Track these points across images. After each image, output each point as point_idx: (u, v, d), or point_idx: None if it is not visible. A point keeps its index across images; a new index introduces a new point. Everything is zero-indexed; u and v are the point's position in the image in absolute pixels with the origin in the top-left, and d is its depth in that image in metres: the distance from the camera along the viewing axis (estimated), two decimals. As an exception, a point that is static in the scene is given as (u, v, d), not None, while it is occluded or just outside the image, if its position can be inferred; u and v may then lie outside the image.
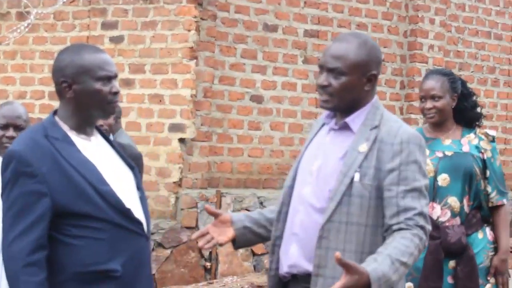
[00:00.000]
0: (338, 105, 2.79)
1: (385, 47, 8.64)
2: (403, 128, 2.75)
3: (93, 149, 2.66)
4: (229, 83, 7.55)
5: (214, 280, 6.67)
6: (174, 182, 7.00)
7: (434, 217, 3.92)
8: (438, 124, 4.04)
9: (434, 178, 3.94)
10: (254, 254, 7.25)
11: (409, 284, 3.93)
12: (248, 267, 7.11)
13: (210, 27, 7.35)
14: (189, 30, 7.14)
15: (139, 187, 2.74)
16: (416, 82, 8.70)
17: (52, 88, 7.58)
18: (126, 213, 2.59)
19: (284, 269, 2.82)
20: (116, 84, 2.68)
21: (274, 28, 7.88)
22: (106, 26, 7.48)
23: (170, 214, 6.95)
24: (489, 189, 4.00)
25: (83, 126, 2.67)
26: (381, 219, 2.69)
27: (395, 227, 2.62)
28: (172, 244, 6.86)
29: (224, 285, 6.23)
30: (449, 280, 3.93)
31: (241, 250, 7.19)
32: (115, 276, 2.54)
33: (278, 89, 7.85)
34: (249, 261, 7.16)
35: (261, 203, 7.26)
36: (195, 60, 7.13)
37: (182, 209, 6.96)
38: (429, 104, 4.01)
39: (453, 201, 3.94)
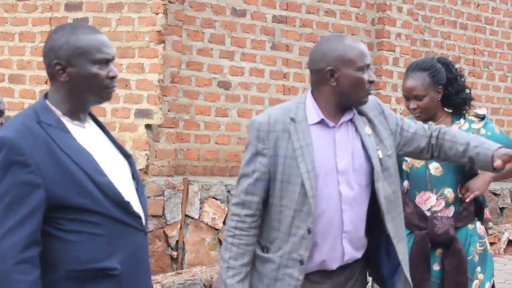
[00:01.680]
0: None
1: (352, 35, 8.54)
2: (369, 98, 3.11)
3: (88, 136, 2.48)
4: (196, 69, 7.37)
5: (183, 270, 6.52)
6: (140, 169, 6.79)
7: (428, 206, 3.82)
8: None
9: (426, 167, 3.83)
10: (221, 243, 7.10)
11: None
12: (215, 256, 6.96)
13: (177, 11, 7.15)
14: (156, 13, 6.93)
15: (135, 177, 2.57)
16: (383, 70, 8.64)
17: (12, 70, 7.42)
18: (125, 207, 2.42)
19: (333, 265, 3.03)
20: (113, 68, 2.50)
21: (242, 13, 7.71)
22: (70, 7, 7.23)
23: (136, 202, 6.75)
24: None
25: (77, 112, 2.49)
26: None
27: (434, 133, 3.17)
28: (138, 233, 6.66)
29: (193, 275, 6.08)
30: (435, 267, 3.84)
31: (208, 239, 7.05)
32: (113, 274, 2.37)
33: (246, 75, 7.69)
34: (216, 250, 7.02)
35: (228, 191, 7.10)
36: (162, 44, 6.92)
37: (148, 197, 6.76)
38: (412, 104, 3.85)
39: (449, 192, 3.84)
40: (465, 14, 9.70)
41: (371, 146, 3.00)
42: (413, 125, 3.17)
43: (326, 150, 2.96)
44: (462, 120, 3.93)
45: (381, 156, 3.00)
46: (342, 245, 2.99)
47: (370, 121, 3.04)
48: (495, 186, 9.56)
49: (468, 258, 3.85)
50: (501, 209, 9.62)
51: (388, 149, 3.04)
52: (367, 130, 3.01)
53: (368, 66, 2.98)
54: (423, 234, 3.78)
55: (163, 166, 7.02)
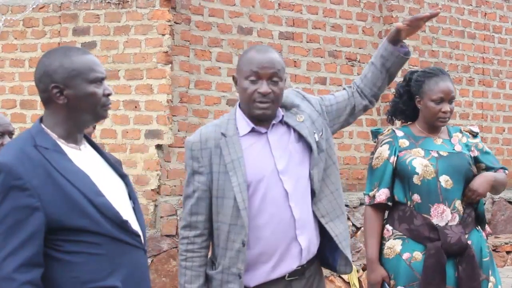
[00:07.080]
0: (276, 109, 3.07)
1: (360, 48, 8.58)
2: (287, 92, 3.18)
3: (84, 158, 2.51)
4: (205, 88, 7.43)
5: (197, 289, 6.52)
6: (153, 190, 6.85)
7: (445, 221, 3.79)
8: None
9: (437, 179, 3.80)
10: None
11: None
12: (230, 274, 6.97)
13: (184, 31, 7.22)
14: (163, 35, 7.00)
15: (132, 196, 2.60)
16: (392, 83, 8.62)
17: (23, 96, 7.50)
18: (124, 226, 2.45)
19: (293, 264, 3.03)
20: (107, 85, 2.54)
21: (249, 31, 7.77)
22: (77, 32, 7.32)
23: (149, 222, 6.80)
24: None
25: (73, 134, 2.52)
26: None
27: (352, 89, 3.28)
28: (152, 253, 6.70)
29: (207, 294, 6.08)
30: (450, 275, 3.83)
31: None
32: (115, 293, 2.41)
33: (255, 93, 7.71)
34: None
35: (241, 208, 7.12)
36: (170, 65, 6.99)
37: (161, 217, 6.81)
38: (446, 107, 3.82)
39: (459, 204, 3.83)
40: (473, 23, 9.71)
41: (308, 132, 3.06)
42: (333, 98, 3.24)
43: (263, 155, 3.01)
44: (459, 134, 3.97)
45: (317, 139, 3.06)
46: (298, 241, 3.02)
47: (298, 107, 3.10)
48: (510, 194, 9.52)
49: (484, 260, 3.88)
50: (517, 217, 9.58)
51: (319, 130, 3.09)
52: (298, 117, 3.08)
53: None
54: (437, 246, 3.75)
55: (175, 186, 7.06)
